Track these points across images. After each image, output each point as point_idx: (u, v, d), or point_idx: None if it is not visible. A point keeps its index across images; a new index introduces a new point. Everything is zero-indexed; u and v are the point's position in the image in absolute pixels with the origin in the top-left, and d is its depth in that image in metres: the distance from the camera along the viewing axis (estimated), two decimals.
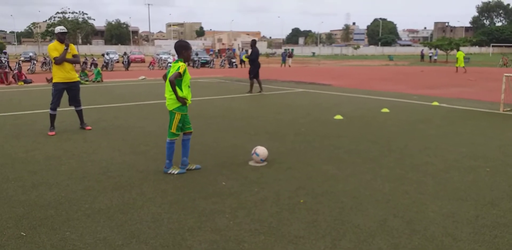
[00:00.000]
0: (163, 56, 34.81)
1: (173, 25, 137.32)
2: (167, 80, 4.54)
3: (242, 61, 33.31)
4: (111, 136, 6.77)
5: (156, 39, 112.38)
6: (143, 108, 10.09)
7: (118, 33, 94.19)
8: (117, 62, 35.03)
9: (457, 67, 25.52)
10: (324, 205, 3.76)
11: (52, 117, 6.98)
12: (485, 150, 5.72)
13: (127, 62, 29.51)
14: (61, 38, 6.87)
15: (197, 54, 35.54)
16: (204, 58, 34.90)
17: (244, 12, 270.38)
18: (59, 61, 6.77)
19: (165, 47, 64.00)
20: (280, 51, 65.76)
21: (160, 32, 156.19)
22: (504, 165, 5.00)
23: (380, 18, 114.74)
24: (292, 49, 60.23)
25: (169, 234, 3.18)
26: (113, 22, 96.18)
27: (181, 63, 4.53)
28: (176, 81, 4.47)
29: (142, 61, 40.05)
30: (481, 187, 4.20)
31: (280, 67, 34.51)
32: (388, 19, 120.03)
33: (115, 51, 43.03)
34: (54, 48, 6.79)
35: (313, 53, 73.13)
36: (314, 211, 3.62)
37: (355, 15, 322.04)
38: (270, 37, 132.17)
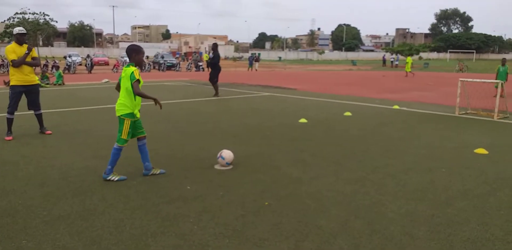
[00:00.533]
0: (128, 59, 34.11)
1: (138, 27, 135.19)
2: (123, 88, 4.47)
3: (209, 65, 33.26)
4: (72, 140, 6.58)
5: (121, 41, 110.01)
6: (106, 112, 9.85)
7: (81, 35, 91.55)
8: (80, 65, 34.09)
9: (407, 72, 26.92)
10: (288, 207, 3.81)
11: (9, 121, 6.71)
12: (442, 152, 5.97)
13: (90, 65, 28.77)
14: (20, 39, 6.63)
15: (163, 57, 35.15)
16: (170, 61, 34.52)
17: (211, 16, 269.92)
18: (17, 64, 6.52)
19: None
20: (247, 55, 66.04)
21: (125, 34, 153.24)
22: (459, 165, 5.24)
23: (344, 24, 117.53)
24: (259, 54, 60.62)
25: (131, 240, 3.13)
26: (76, 24, 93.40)
27: (133, 68, 4.42)
28: (129, 89, 4.39)
29: (106, 64, 39.16)
30: (437, 187, 4.39)
31: (247, 71, 34.64)
32: (352, 25, 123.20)
33: (77, 54, 41.82)
34: (12, 51, 6.53)
35: (280, 57, 73.91)
36: (279, 213, 3.66)
37: (320, 20, 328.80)
38: (237, 41, 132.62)
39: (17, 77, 6.62)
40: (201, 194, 4.15)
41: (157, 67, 34.15)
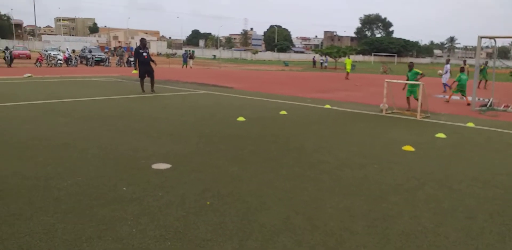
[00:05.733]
0: (52, 53, 31.93)
1: (63, 20, 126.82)
2: None
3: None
4: None
5: (43, 34, 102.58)
6: (29, 109, 9.11)
7: None
8: None
9: (347, 73, 27.40)
10: (230, 206, 3.78)
11: None
12: (372, 149, 6.30)
13: (9, 58, 26.41)
14: None
15: (90, 52, 33.31)
16: (99, 56, 32.84)
17: (139, 10, 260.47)
18: None
19: (54, 43, 58.85)
20: (180, 52, 64.82)
21: (48, 26, 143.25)
22: (389, 161, 5.56)
23: (276, 25, 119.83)
24: (193, 51, 59.78)
25: (64, 246, 2.91)
26: None
27: None
28: None
29: (28, 57, 36.22)
30: (371, 182, 4.62)
31: (182, 68, 34.03)
32: (283, 27, 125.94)
33: None
34: None
35: (214, 56, 73.49)
36: (221, 213, 3.62)
37: (252, 20, 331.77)
38: (170, 38, 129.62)
39: None
40: (139, 195, 3.98)
41: (84, 62, 32.32)
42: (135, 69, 13.19)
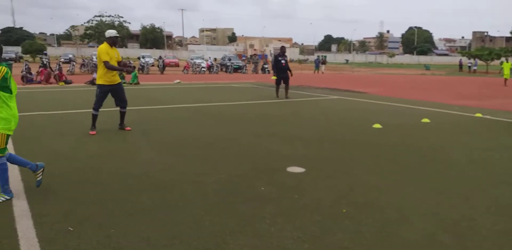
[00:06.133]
0: (197, 61, 35.33)
1: (206, 30, 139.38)
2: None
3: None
4: (150, 137, 6.87)
5: (189, 44, 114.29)
6: (180, 111, 10.22)
7: (153, 38, 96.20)
8: (152, 65, 35.77)
9: (505, 79, 23.67)
10: (367, 216, 3.65)
11: (94, 117, 7.14)
12: None
13: (162, 65, 30.09)
14: (115, 41, 7.06)
15: (230, 60, 35.92)
16: (237, 64, 35.18)
17: (273, 19, 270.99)
18: (109, 68, 6.90)
19: (198, 52, 64.98)
20: (312, 57, 65.47)
21: (193, 37, 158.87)
22: None
23: (416, 27, 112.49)
24: (325, 56, 59.78)
25: (210, 237, 3.16)
26: (147, 27, 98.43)
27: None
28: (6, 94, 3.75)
29: (176, 65, 40.78)
30: None
31: (314, 73, 34.34)
32: (424, 28, 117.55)
33: (150, 55, 43.95)
34: (105, 52, 6.89)
35: (347, 60, 72.41)
36: (358, 222, 3.51)
37: (389, 23, 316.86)
38: (302, 44, 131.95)
39: (106, 78, 6.99)
40: (275, 196, 4.11)
41: (224, 69, 34.95)
42: (274, 76, 13.69)
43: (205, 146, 6.30)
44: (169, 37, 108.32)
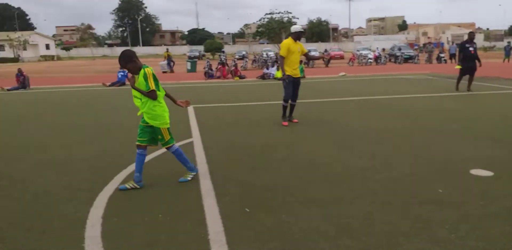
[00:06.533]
0: (363, 52, 34.32)
1: (373, 20, 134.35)
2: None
3: (452, 56, 30.06)
4: (317, 130, 6.99)
5: (355, 35, 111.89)
6: (346, 104, 10.12)
7: (319, 31, 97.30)
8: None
9: None
10: None
11: (284, 108, 7.55)
12: None
13: (327, 60, 30.23)
14: (299, 36, 7.34)
15: (400, 49, 33.85)
16: (408, 54, 32.91)
17: (449, 2, 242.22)
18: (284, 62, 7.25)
19: (364, 43, 63.11)
20: (501, 44, 56.70)
21: (359, 28, 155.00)
22: None
23: None
24: None
25: (381, 235, 3.03)
26: (314, 21, 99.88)
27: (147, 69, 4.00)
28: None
29: (341, 57, 40.47)
30: None
31: (503, 63, 29.73)
32: None
33: (315, 49, 44.61)
34: (286, 47, 7.19)
35: None
36: None
37: None
38: (488, 29, 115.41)
39: (289, 70, 7.30)
40: (456, 200, 3.69)
41: (393, 59, 33.15)
42: (458, 65, 12.29)
43: (372, 140, 6.09)
44: (335, 29, 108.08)
